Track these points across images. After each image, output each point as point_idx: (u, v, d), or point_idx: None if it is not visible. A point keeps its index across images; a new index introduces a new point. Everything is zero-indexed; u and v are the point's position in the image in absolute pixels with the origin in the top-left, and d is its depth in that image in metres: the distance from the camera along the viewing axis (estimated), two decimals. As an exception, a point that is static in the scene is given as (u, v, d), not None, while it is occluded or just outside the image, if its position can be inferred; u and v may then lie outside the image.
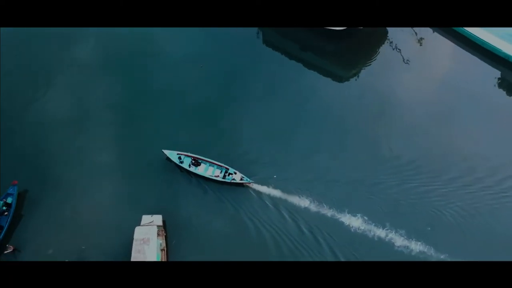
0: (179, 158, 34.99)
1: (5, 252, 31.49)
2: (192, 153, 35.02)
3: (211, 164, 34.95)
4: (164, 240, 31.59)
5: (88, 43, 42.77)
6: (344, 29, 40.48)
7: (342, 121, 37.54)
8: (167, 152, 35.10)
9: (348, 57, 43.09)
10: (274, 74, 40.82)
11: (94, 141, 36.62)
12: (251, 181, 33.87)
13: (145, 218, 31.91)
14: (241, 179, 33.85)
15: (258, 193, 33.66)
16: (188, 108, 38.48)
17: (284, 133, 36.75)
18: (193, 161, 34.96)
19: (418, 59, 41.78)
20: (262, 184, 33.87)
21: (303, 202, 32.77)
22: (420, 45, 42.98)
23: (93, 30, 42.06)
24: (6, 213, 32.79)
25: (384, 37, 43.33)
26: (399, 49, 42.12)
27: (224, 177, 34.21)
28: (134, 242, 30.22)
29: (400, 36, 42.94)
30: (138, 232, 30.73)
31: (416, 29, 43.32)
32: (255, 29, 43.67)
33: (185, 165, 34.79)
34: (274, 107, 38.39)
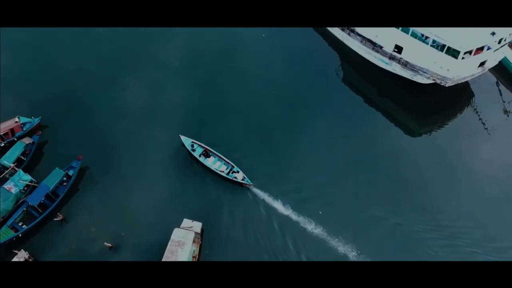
0: (192, 145, 36.63)
1: (55, 219, 33.47)
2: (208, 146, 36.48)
3: (220, 159, 36.31)
4: (198, 248, 31.83)
5: (171, 44, 44.87)
6: (431, 83, 39.23)
7: (401, 172, 36.21)
8: (183, 138, 36.95)
9: (425, 113, 41.52)
10: (344, 110, 40.42)
11: (157, 137, 38.14)
12: (251, 183, 34.74)
13: (186, 222, 32.44)
14: (242, 179, 34.86)
15: (255, 195, 34.52)
16: (253, 124, 39.14)
17: (340, 171, 36.13)
18: (204, 152, 36.46)
19: (501, 131, 39.23)
20: (262, 189, 34.60)
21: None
22: (507, 117, 40.39)
23: (180, 34, 44.66)
24: (65, 184, 34.97)
25: (469, 99, 41.30)
26: (482, 117, 39.89)
27: (228, 173, 35.34)
28: (170, 243, 30.70)
29: (486, 101, 40.70)
30: (176, 234, 31.22)
31: (506, 98, 40.86)
32: (337, 62, 43.74)
33: (196, 154, 36.28)
34: (337, 142, 38.03)
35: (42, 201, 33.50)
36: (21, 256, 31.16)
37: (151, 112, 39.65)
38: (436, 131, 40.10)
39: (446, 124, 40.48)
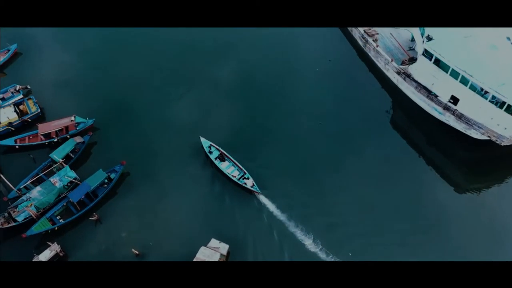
0: (209, 147, 38.42)
1: (90, 218, 34.63)
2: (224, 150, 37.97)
3: (234, 164, 37.76)
4: (221, 271, 31.58)
5: (227, 64, 45.97)
6: (485, 139, 37.57)
7: (442, 226, 34.52)
8: (202, 139, 38.79)
9: (475, 170, 39.58)
10: (389, 153, 39.38)
11: (198, 152, 38.83)
12: (259, 191, 35.74)
13: (214, 242, 32.46)
14: (251, 186, 35.80)
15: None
16: (288, 147, 39.35)
17: (371, 209, 35.22)
18: (220, 156, 38.01)
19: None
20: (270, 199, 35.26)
21: None
22: None
23: (236, 56, 46.06)
24: (105, 185, 36.27)
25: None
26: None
27: (239, 179, 36.62)
28: (195, 260, 30.76)
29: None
30: (202, 252, 31.30)
31: None
32: (388, 105, 43.08)
33: (212, 156, 37.84)
34: (374, 181, 37.07)
35: (81, 199, 34.86)
36: (53, 248, 32.34)
37: (196, 126, 40.49)
38: (485, 190, 38.02)
39: (497, 185, 38.33)
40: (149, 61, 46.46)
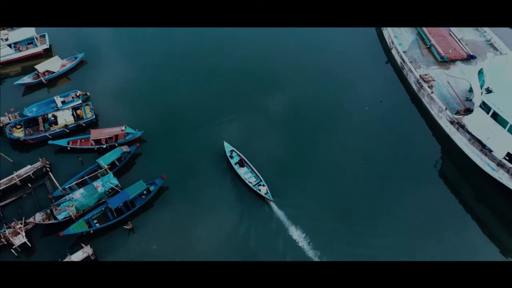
0: (231, 152, 39.95)
1: (124, 226, 35.38)
2: (244, 156, 39.64)
3: (252, 171, 38.87)
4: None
5: (278, 94, 46.46)
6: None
7: None
8: (225, 144, 40.44)
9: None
10: (433, 203, 37.56)
11: (234, 177, 39.08)
12: (271, 199, 36.55)
13: (239, 269, 32.05)
14: (265, 193, 36.80)
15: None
16: (327, 179, 38.82)
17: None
18: (240, 161, 39.38)
19: None
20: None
21: None
22: None
23: (291, 89, 46.46)
24: (143, 196, 37.10)
25: None
26: None
27: (254, 185, 37.67)
28: None
29: None
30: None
31: None
32: (437, 154, 41.53)
33: (232, 161, 39.21)
34: (414, 230, 35.49)
35: (119, 207, 35.77)
36: (85, 251, 33.20)
37: (240, 151, 40.75)
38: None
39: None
40: (206, 84, 48.02)
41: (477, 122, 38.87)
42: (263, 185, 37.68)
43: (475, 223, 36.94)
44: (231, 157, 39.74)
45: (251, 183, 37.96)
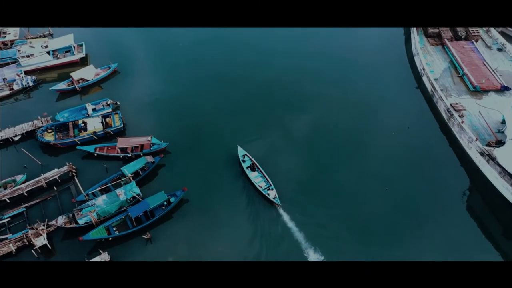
0: (243, 156, 40.77)
1: (143, 236, 35.60)
2: (258, 162, 40.27)
3: (262, 175, 39.42)
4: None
5: (305, 117, 46.40)
6: None
7: None
8: (239, 148, 41.31)
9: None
10: (457, 234, 36.36)
11: (256, 196, 38.90)
12: (279, 203, 36.83)
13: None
14: (274, 197, 37.08)
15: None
16: (350, 205, 37.66)
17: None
18: (251, 165, 40.11)
19: None
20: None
21: None
22: None
23: (318, 112, 46.33)
24: (163, 207, 37.34)
25: None
26: None
27: (264, 189, 38.04)
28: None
29: None
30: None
31: None
32: (465, 185, 40.19)
33: (244, 165, 39.85)
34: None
35: (139, 216, 36.10)
36: (103, 257, 33.52)
37: (265, 168, 40.67)
38: None
39: None
40: (234, 101, 48.47)
41: (509, 155, 37.53)
42: (272, 189, 38.15)
43: (501, 259, 35.34)
44: (243, 161, 40.44)
45: (260, 187, 38.34)
